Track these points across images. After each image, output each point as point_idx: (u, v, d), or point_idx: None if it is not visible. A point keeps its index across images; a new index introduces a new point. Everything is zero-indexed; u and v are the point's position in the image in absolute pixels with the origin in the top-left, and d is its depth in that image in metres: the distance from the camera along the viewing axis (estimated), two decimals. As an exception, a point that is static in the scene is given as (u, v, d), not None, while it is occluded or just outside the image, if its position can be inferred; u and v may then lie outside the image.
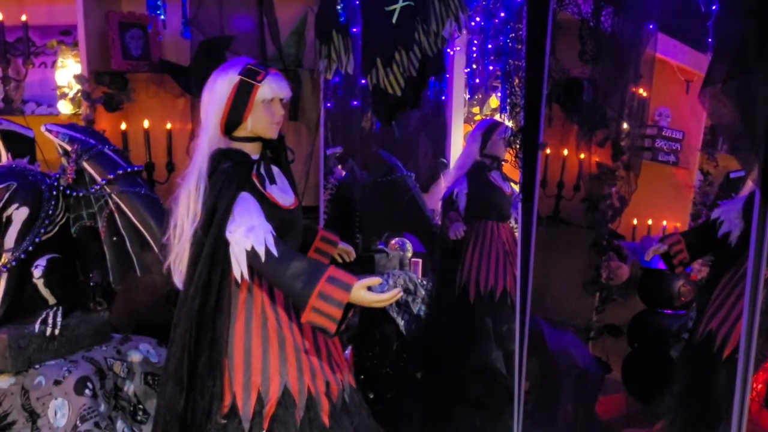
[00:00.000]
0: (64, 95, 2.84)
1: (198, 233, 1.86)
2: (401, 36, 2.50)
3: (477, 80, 3.60)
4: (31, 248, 2.16)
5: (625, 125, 3.01)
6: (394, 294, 1.73)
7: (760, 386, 2.25)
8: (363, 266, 2.98)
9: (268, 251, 1.75)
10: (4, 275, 2.15)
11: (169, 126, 2.99)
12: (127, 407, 2.23)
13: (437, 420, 2.99)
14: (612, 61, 2.72)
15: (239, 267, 1.80)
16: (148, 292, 3.10)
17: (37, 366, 2.13)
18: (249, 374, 1.86)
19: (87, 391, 2.09)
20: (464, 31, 2.99)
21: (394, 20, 2.49)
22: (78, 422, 2.04)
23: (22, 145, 2.32)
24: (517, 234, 2.71)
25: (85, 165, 2.20)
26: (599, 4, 2.56)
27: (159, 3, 2.05)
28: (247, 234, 1.77)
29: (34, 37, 2.94)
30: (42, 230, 2.19)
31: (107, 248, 2.25)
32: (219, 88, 1.91)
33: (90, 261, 2.33)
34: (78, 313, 2.30)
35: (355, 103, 3.69)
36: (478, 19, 3.42)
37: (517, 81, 2.76)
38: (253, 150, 1.96)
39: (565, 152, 3.10)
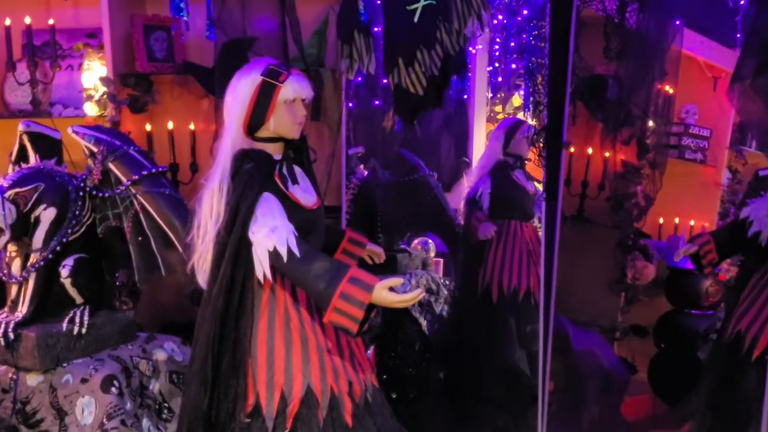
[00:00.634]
0: (90, 97, 2.87)
1: (221, 233, 1.87)
2: (423, 35, 2.48)
3: (500, 79, 3.58)
4: (58, 248, 2.20)
5: (650, 123, 2.96)
6: (416, 294, 1.72)
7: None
8: (385, 266, 2.97)
9: (290, 252, 1.75)
10: (33, 275, 2.19)
11: (192, 127, 3.02)
12: (153, 405, 2.26)
13: (460, 420, 2.98)
14: (637, 58, 2.68)
15: (262, 267, 1.81)
16: (172, 291, 3.13)
17: (64, 364, 2.16)
18: (272, 374, 1.86)
19: (113, 389, 2.12)
20: (486, 29, 2.97)
21: (415, 19, 2.48)
22: (105, 420, 2.07)
23: (49, 146, 2.36)
24: (541, 233, 2.69)
25: (111, 166, 2.23)
26: (624, 1, 2.53)
27: (182, 5, 2.06)
28: (270, 234, 1.77)
29: (60, 41, 2.98)
30: (69, 230, 2.22)
31: (132, 248, 2.27)
32: (242, 89, 1.92)
33: (115, 261, 2.36)
34: (104, 312, 2.33)
35: (377, 102, 3.68)
36: (500, 17, 3.39)
37: (540, 79, 2.74)
38: (275, 150, 1.97)
39: (590, 151, 3.07)
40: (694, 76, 3.20)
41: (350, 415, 1.90)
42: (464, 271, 3.24)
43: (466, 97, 3.90)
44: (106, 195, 2.26)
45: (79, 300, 2.25)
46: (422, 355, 3.04)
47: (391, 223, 3.26)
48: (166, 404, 2.30)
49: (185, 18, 2.13)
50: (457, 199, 3.62)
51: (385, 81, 3.56)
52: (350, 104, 3.24)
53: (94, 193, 2.26)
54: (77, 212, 2.24)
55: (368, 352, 2.91)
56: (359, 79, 3.29)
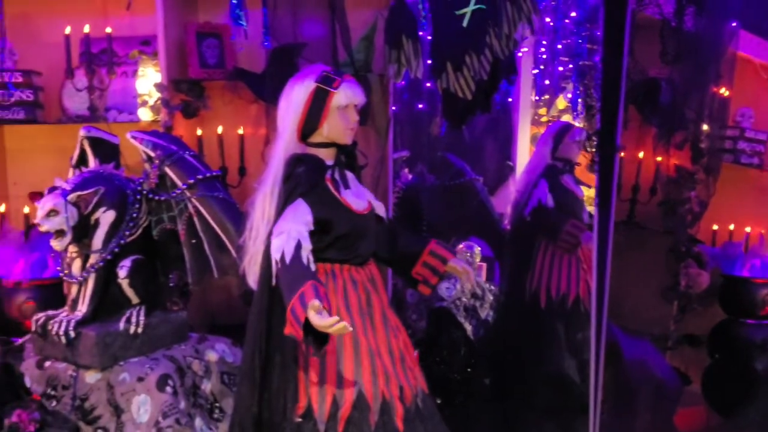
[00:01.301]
0: (144, 103, 2.95)
1: (271, 236, 1.90)
2: (472, 39, 2.47)
3: (546, 82, 3.54)
4: (116, 249, 2.26)
5: (705, 127, 2.89)
6: (332, 322, 1.57)
7: None
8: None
9: (282, 258, 1.74)
10: (92, 275, 2.25)
11: (241, 131, 3.07)
12: (205, 405, 2.30)
13: (506, 427, 2.95)
14: (693, 61, 2.62)
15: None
16: (220, 293, 3.19)
17: (121, 363, 2.21)
18: (324, 376, 1.88)
19: (168, 389, 2.16)
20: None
21: (464, 24, 2.47)
22: (160, 418, 2.11)
23: (107, 151, 2.42)
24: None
25: (167, 170, 2.28)
26: (681, 4, 2.47)
27: (240, 13, 2.10)
28: (273, 238, 1.80)
29: (116, 48, 3.07)
30: (127, 232, 2.28)
31: (186, 250, 2.32)
32: (296, 95, 1.95)
33: (169, 262, 2.41)
34: (158, 312, 2.38)
35: (420, 106, 3.69)
36: (547, 19, 3.35)
37: (590, 82, 2.70)
38: (327, 155, 1.99)
39: (641, 155, 3.01)
40: (749, 79, 3.12)
41: (401, 419, 1.90)
42: (511, 276, 3.21)
43: (510, 100, 3.87)
44: (162, 198, 2.31)
45: (135, 300, 2.31)
46: (467, 361, 3.02)
47: (436, 227, 3.25)
48: (217, 404, 2.34)
49: (244, 26, 2.16)
50: (501, 203, 3.59)
51: (428, 84, 3.56)
52: (394, 108, 3.25)
53: (151, 196, 2.32)
54: (134, 215, 2.29)
55: (413, 356, 2.91)
56: (403, 82, 3.30)
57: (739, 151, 3.11)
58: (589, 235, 2.92)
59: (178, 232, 2.32)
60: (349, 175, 2.05)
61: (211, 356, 2.39)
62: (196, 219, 2.28)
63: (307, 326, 1.63)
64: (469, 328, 3.11)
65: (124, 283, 2.26)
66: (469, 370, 3.02)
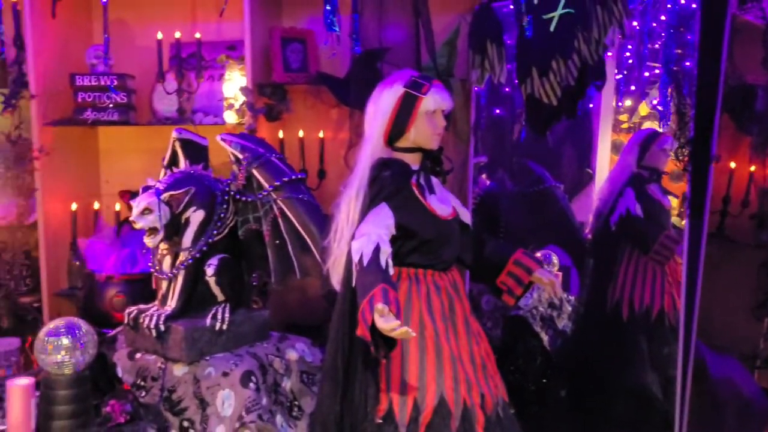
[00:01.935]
0: (230, 106, 3.03)
1: (353, 239, 1.92)
2: (559, 44, 2.42)
3: (632, 87, 3.43)
4: (205, 248, 2.33)
5: (805, 136, 2.73)
6: (394, 326, 1.59)
7: None
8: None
9: (360, 261, 1.76)
10: (182, 272, 2.33)
11: (321, 134, 3.12)
12: (285, 403, 2.35)
13: (583, 439, 2.88)
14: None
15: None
16: (297, 293, 3.26)
17: (207, 357, 2.29)
18: (405, 381, 1.89)
19: (251, 385, 2.22)
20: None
21: (552, 28, 2.43)
22: (243, 413, 2.17)
23: (197, 152, 2.51)
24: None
25: (254, 172, 2.34)
26: (789, 6, 2.35)
27: (334, 19, 2.14)
28: (355, 240, 1.81)
29: (203, 52, 3.18)
30: (215, 231, 2.35)
31: (270, 251, 2.37)
32: (384, 100, 1.97)
33: (253, 262, 2.47)
34: (242, 310, 2.45)
35: (497, 111, 3.65)
36: (635, 23, 3.25)
37: (679, 88, 2.60)
38: (413, 160, 2.00)
39: (732, 165, 2.87)
40: None
41: (482, 428, 1.89)
42: (592, 286, 3.12)
43: (591, 105, 3.78)
44: (249, 199, 2.37)
45: (220, 297, 2.38)
46: (543, 371, 2.97)
47: (514, 234, 3.21)
48: (296, 402, 2.38)
49: (337, 32, 2.20)
50: (578, 211, 3.51)
51: (506, 89, 3.52)
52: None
53: (238, 197, 2.38)
54: (222, 215, 2.37)
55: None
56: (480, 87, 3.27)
57: (841, 162, 2.93)
58: (680, 247, 2.83)
59: (262, 233, 2.38)
60: (434, 180, 2.06)
61: (292, 355, 2.43)
62: (280, 220, 2.34)
63: (376, 329, 1.64)
64: (545, 338, 3.06)
65: (212, 281, 2.34)
66: (544, 380, 2.97)
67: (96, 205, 3.27)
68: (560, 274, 3.58)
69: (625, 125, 3.98)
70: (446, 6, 2.92)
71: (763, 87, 2.66)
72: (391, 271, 1.80)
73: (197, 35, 3.06)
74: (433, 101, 1.95)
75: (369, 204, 1.89)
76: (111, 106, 3.08)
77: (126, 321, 2.38)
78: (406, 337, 1.62)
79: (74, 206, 3.12)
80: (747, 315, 2.85)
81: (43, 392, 2.01)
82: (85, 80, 3.09)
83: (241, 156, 2.35)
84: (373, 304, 1.63)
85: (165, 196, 2.27)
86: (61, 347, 1.97)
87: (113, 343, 2.46)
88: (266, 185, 2.33)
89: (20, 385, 1.97)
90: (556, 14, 2.42)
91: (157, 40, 3.02)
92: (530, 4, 2.43)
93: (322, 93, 3.07)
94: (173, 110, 3.14)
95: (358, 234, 1.83)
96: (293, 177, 2.34)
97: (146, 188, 2.32)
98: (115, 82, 3.07)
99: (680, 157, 2.29)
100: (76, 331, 2.00)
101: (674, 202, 3.20)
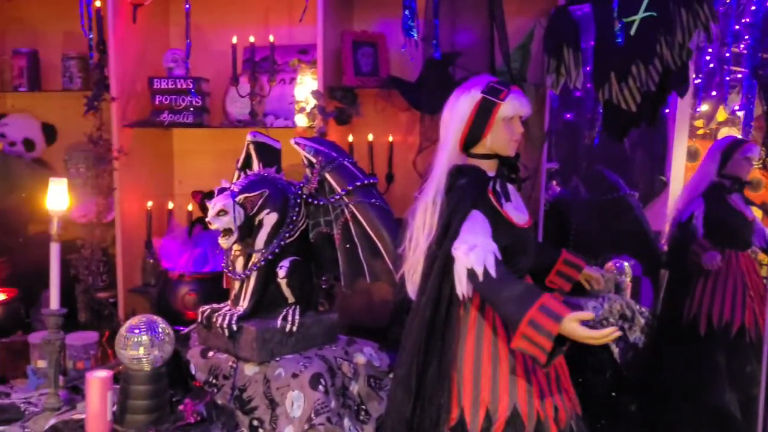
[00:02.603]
0: (302, 109, 3.07)
1: (432, 247, 1.90)
2: (640, 48, 2.35)
3: (713, 93, 3.29)
4: (277, 250, 2.36)
5: None
6: (609, 332, 1.62)
7: None
8: (574, 287, 2.86)
9: (486, 272, 1.73)
10: (254, 273, 2.37)
11: (391, 138, 3.12)
12: (352, 406, 2.35)
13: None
14: None
15: (461, 285, 1.80)
16: (362, 297, 3.27)
17: (277, 358, 2.31)
18: (478, 390, 1.86)
19: (320, 387, 2.23)
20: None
21: (632, 32, 2.35)
22: (312, 415, 2.18)
23: (270, 155, 2.54)
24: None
25: (327, 176, 2.35)
26: None
27: (412, 24, 2.14)
28: (468, 252, 1.76)
29: (275, 56, 3.23)
30: (287, 234, 2.38)
31: (340, 254, 2.38)
32: (461, 106, 1.94)
33: (323, 265, 2.49)
34: (311, 313, 2.46)
35: (568, 116, 3.57)
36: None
37: (766, 94, 2.48)
38: (489, 167, 1.97)
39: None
40: None
41: (555, 441, 1.85)
42: (667, 298, 3.02)
43: (666, 111, 3.65)
44: (320, 203, 2.39)
45: (291, 299, 2.40)
46: (613, 384, 2.88)
47: (585, 242, 3.12)
48: (363, 407, 2.38)
49: (415, 37, 2.20)
50: (652, 220, 3.39)
51: (578, 94, 3.43)
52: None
53: (310, 200, 2.40)
54: (294, 218, 2.39)
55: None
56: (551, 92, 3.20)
57: None
58: (713, 255, 2.72)
59: (333, 236, 2.39)
60: (510, 187, 2.02)
61: (360, 359, 2.44)
62: (351, 224, 2.34)
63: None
64: (615, 350, 2.96)
65: (283, 283, 2.36)
66: (614, 394, 2.87)
67: (170, 205, 3.36)
68: (630, 284, 3.47)
69: (701, 131, 3.83)
70: (521, 9, 2.88)
71: None
72: None
73: (271, 39, 3.10)
74: (512, 107, 1.92)
75: (450, 213, 1.85)
76: (188, 108, 3.16)
77: (199, 319, 2.44)
78: (615, 338, 1.64)
79: (149, 205, 3.22)
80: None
81: (121, 386, 2.08)
82: (163, 83, 3.19)
83: (314, 160, 2.37)
84: (558, 314, 1.62)
85: (240, 198, 2.30)
86: (141, 344, 2.03)
87: (187, 340, 2.52)
88: (338, 189, 2.34)
89: (99, 377, 2.04)
90: (637, 17, 2.34)
91: (231, 45, 3.09)
92: (610, 7, 2.36)
93: (393, 97, 3.08)
94: (245, 113, 3.20)
95: (466, 246, 1.77)
96: (365, 181, 2.34)
97: (221, 190, 2.36)
98: (191, 86, 3.15)
99: (766, 166, 2.17)
100: (156, 329, 2.06)
101: (757, 212, 3.05)
